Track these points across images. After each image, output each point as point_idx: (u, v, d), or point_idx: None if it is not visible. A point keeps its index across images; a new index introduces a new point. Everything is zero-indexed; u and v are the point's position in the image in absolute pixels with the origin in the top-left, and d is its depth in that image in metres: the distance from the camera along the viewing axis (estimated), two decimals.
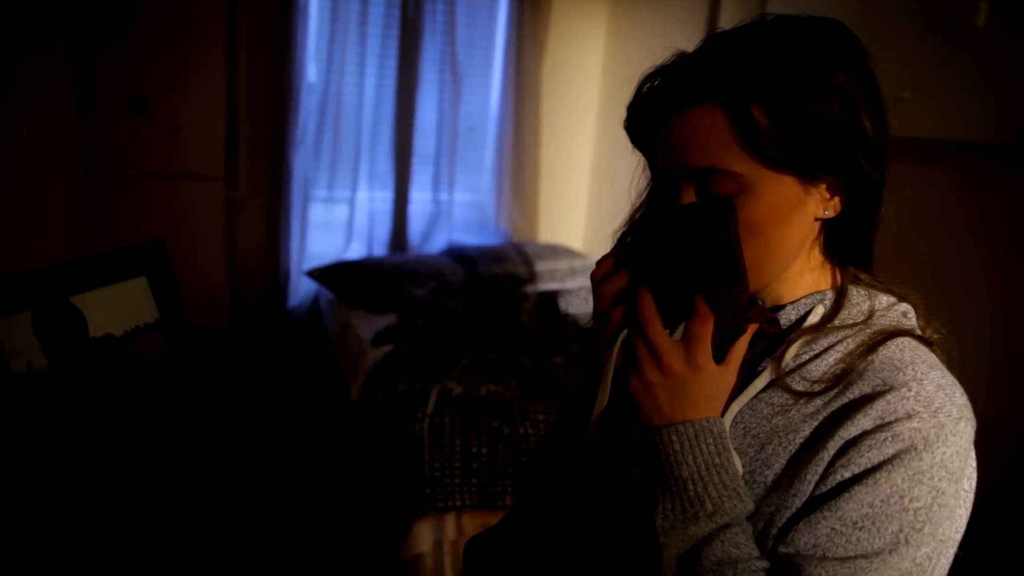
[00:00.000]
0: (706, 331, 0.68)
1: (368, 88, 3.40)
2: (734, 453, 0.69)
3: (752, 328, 0.71)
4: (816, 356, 0.71)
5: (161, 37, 2.73)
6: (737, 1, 2.81)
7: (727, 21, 2.72)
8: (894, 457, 0.63)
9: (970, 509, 0.68)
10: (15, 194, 2.05)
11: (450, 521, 2.07)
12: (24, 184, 2.13)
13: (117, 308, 0.83)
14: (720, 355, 0.70)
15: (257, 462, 2.57)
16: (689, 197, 0.70)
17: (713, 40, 0.71)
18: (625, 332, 0.73)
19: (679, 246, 0.70)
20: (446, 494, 2.04)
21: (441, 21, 3.44)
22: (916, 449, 0.63)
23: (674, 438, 0.67)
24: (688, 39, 0.81)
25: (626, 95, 0.77)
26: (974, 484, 0.68)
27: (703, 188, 0.69)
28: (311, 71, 3.28)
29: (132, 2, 2.68)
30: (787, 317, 0.75)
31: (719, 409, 0.69)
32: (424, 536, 2.05)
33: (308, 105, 3.28)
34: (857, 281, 0.76)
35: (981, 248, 1.91)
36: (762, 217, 0.68)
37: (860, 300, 0.74)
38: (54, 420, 0.78)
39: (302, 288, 3.46)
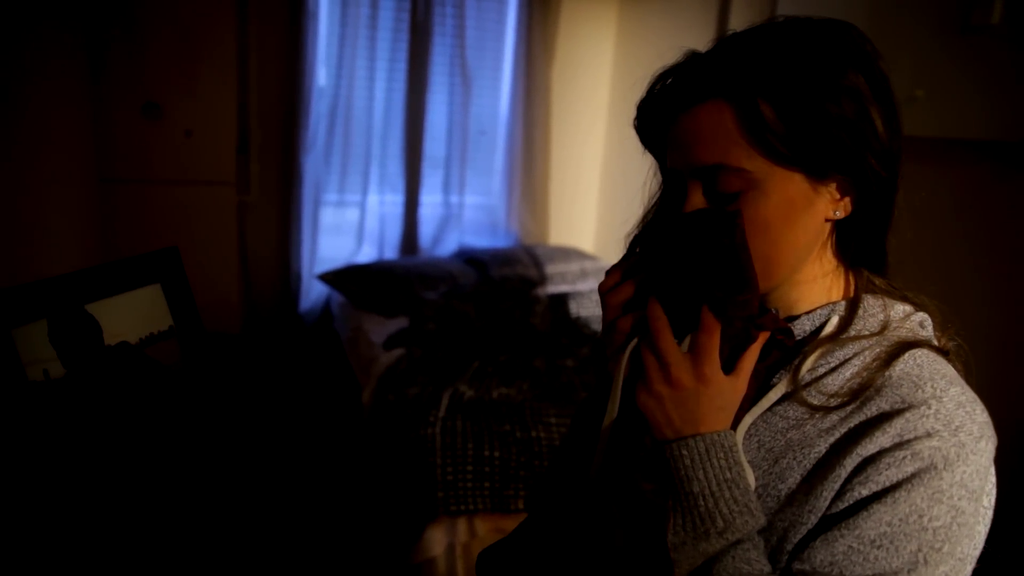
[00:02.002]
0: (713, 342, 0.67)
1: (378, 92, 3.41)
2: (747, 466, 0.69)
3: (763, 337, 0.69)
4: (832, 370, 0.70)
5: (173, 43, 2.75)
6: (747, 2, 2.80)
7: (737, 22, 2.72)
8: (913, 476, 0.62)
9: (989, 525, 0.67)
10: (30, 200, 2.06)
11: (462, 525, 2.07)
12: (39, 190, 2.14)
13: (132, 315, 0.83)
14: (729, 365, 0.69)
15: (269, 466, 2.58)
16: (697, 194, 0.70)
17: (725, 40, 0.71)
18: (635, 342, 0.72)
19: (686, 254, 0.69)
20: (458, 498, 2.04)
21: (450, 24, 3.44)
22: (936, 468, 0.62)
23: (684, 452, 0.67)
24: (698, 41, 0.81)
25: (636, 96, 0.77)
26: (993, 500, 0.67)
27: (711, 185, 0.69)
28: (321, 75, 3.30)
29: (144, 9, 2.69)
30: (801, 328, 0.74)
31: (729, 421, 0.69)
32: (436, 540, 2.04)
33: (319, 109, 3.29)
34: (872, 287, 0.75)
35: (997, 246, 1.89)
36: (771, 215, 0.67)
37: (876, 311, 0.73)
38: (71, 428, 0.78)
39: (313, 292, 3.47)
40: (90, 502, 0.90)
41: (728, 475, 0.66)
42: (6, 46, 1.86)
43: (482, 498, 2.05)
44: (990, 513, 0.67)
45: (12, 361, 0.73)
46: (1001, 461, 0.68)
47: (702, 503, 0.65)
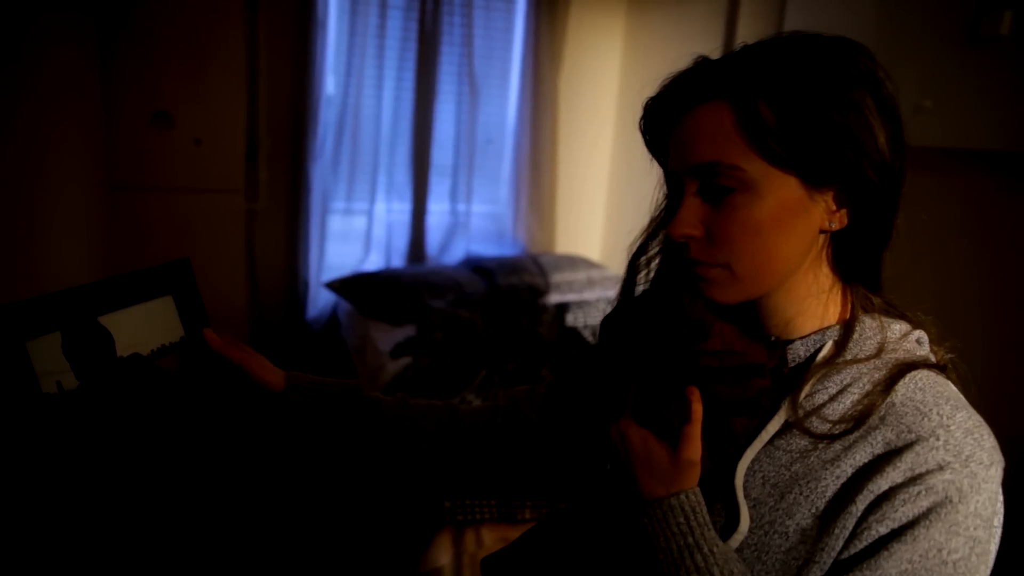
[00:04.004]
0: (625, 417, 0.73)
1: (386, 100, 3.42)
2: (744, 507, 0.69)
3: (697, 407, 0.69)
4: (832, 398, 0.69)
5: (182, 52, 2.77)
6: (755, 10, 2.80)
7: (744, 31, 2.73)
8: (929, 511, 0.62)
9: (999, 542, 0.67)
10: (41, 207, 2.08)
11: (469, 535, 2.06)
12: (49, 197, 2.16)
13: (143, 327, 0.83)
14: (675, 438, 0.70)
15: (276, 475, 2.58)
16: (692, 194, 0.70)
17: (735, 49, 0.72)
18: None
19: (653, 323, 0.75)
20: (465, 508, 2.04)
21: (458, 33, 3.46)
22: (951, 502, 0.62)
23: (645, 520, 0.69)
24: (705, 49, 0.81)
25: (643, 103, 0.78)
26: (1002, 518, 0.67)
27: (707, 184, 0.69)
28: (330, 83, 3.31)
29: (153, 18, 2.72)
30: (795, 353, 0.73)
31: (665, 491, 0.69)
32: (443, 550, 2.04)
33: (327, 117, 3.31)
34: (869, 305, 0.74)
35: (1003, 256, 1.88)
36: (763, 218, 0.67)
37: (871, 332, 0.72)
38: (84, 439, 0.79)
39: (321, 299, 3.48)
40: (103, 510, 0.90)
41: (689, 540, 0.66)
42: (15, 55, 1.87)
43: (489, 508, 2.05)
44: (999, 531, 0.67)
45: (27, 373, 0.74)
46: (1005, 476, 0.68)
47: (662, 570, 0.67)
